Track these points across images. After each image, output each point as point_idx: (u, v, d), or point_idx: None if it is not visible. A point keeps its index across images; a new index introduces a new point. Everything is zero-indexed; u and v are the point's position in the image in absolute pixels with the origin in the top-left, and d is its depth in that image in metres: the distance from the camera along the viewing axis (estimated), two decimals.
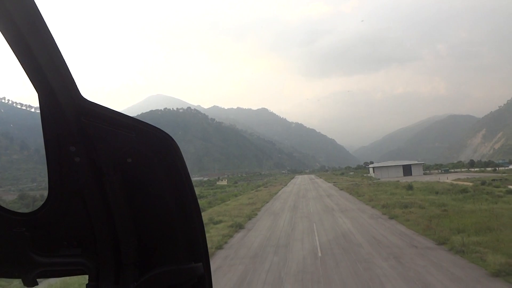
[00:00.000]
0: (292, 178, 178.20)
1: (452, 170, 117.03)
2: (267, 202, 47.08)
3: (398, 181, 71.51)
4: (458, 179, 66.12)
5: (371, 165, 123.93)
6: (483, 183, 47.05)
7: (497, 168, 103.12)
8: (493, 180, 54.05)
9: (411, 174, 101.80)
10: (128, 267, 1.58)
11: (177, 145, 1.58)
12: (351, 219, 27.40)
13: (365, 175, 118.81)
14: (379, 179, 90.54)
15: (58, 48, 1.38)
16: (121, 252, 1.57)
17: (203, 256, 1.63)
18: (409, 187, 48.62)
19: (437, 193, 40.68)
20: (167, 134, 1.56)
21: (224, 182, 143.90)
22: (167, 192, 1.58)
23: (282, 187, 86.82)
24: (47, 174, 1.51)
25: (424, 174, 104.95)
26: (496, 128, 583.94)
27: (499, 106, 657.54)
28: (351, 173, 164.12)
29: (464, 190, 39.03)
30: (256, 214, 34.61)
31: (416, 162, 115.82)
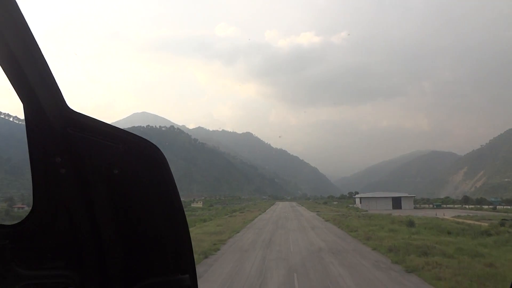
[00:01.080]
0: (272, 204, 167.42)
1: (444, 206, 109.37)
2: (238, 232, 37.97)
3: (391, 214, 63.31)
4: (459, 216, 58.31)
5: (357, 195, 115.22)
6: (502, 223, 38.90)
7: (496, 207, 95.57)
8: (504, 219, 46.21)
9: (400, 207, 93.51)
10: (114, 279, 1.55)
11: (165, 156, 1.56)
12: (350, 268, 18.70)
13: (350, 205, 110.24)
14: (367, 211, 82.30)
15: (44, 59, 1.37)
16: (107, 264, 1.54)
17: (190, 268, 1.60)
18: (410, 223, 40.26)
19: (449, 233, 32.36)
20: (155, 145, 1.55)
21: (199, 205, 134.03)
22: (153, 204, 1.56)
23: (260, 214, 77.65)
24: (31, 185, 1.48)
25: (414, 208, 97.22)
26: (477, 167, 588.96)
27: (481, 145, 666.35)
28: (334, 202, 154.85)
29: (486, 232, 30.81)
30: (218, 250, 25.60)
31: (406, 194, 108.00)
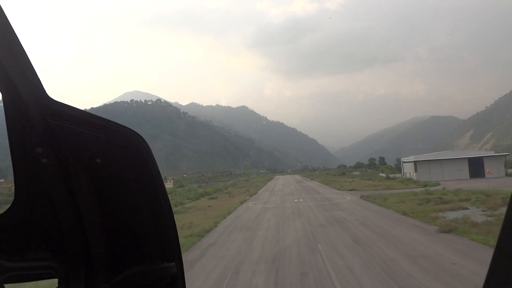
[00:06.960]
0: (270, 180, 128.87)
1: None
2: None
3: None
4: None
5: (407, 159, 74.51)
6: None
7: None
8: None
9: (484, 175, 57.63)
10: (98, 269, 1.53)
11: (148, 145, 1.54)
12: None
13: (391, 176, 72.38)
14: (439, 183, 45.65)
15: (22, 47, 1.34)
16: (92, 254, 1.52)
17: (176, 256, 1.58)
18: None
19: None
20: (138, 134, 1.53)
21: (170, 185, 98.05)
22: (137, 192, 1.54)
23: (244, 201, 41.38)
24: (13, 176, 1.46)
25: (506, 175, 58.90)
26: (484, 129, 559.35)
27: (485, 107, 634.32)
28: (355, 173, 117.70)
29: None
30: None
31: (492, 153, 70.12)
